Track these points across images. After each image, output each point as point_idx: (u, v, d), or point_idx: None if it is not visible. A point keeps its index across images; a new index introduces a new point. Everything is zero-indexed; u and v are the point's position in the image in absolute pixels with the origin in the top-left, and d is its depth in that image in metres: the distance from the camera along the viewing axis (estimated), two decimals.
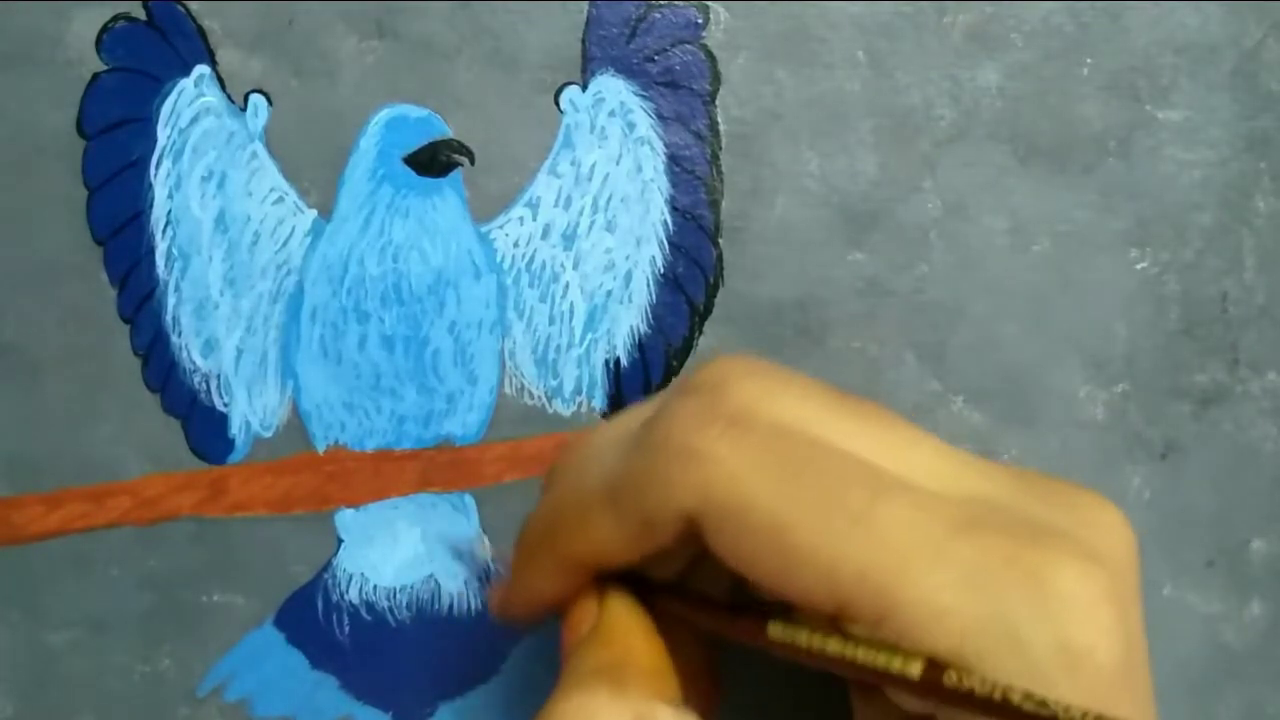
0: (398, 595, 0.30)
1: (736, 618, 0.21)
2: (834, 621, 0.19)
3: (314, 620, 0.30)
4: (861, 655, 0.19)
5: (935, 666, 0.18)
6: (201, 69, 0.29)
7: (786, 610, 0.20)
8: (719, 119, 0.29)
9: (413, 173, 0.29)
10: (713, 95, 0.29)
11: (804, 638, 0.20)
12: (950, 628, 0.18)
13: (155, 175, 0.29)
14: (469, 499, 0.30)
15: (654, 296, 0.30)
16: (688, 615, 0.22)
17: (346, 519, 0.30)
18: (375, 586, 0.30)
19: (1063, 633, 0.17)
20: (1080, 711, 0.16)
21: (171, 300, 0.30)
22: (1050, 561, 0.18)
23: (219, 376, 0.30)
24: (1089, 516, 0.19)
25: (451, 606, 0.30)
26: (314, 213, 0.30)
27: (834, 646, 0.19)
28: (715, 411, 0.20)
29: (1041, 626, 0.17)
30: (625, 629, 0.22)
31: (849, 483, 0.19)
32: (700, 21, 0.29)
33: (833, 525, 0.19)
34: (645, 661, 0.21)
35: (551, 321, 0.30)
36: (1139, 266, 0.30)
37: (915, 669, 0.18)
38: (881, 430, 0.20)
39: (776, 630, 0.20)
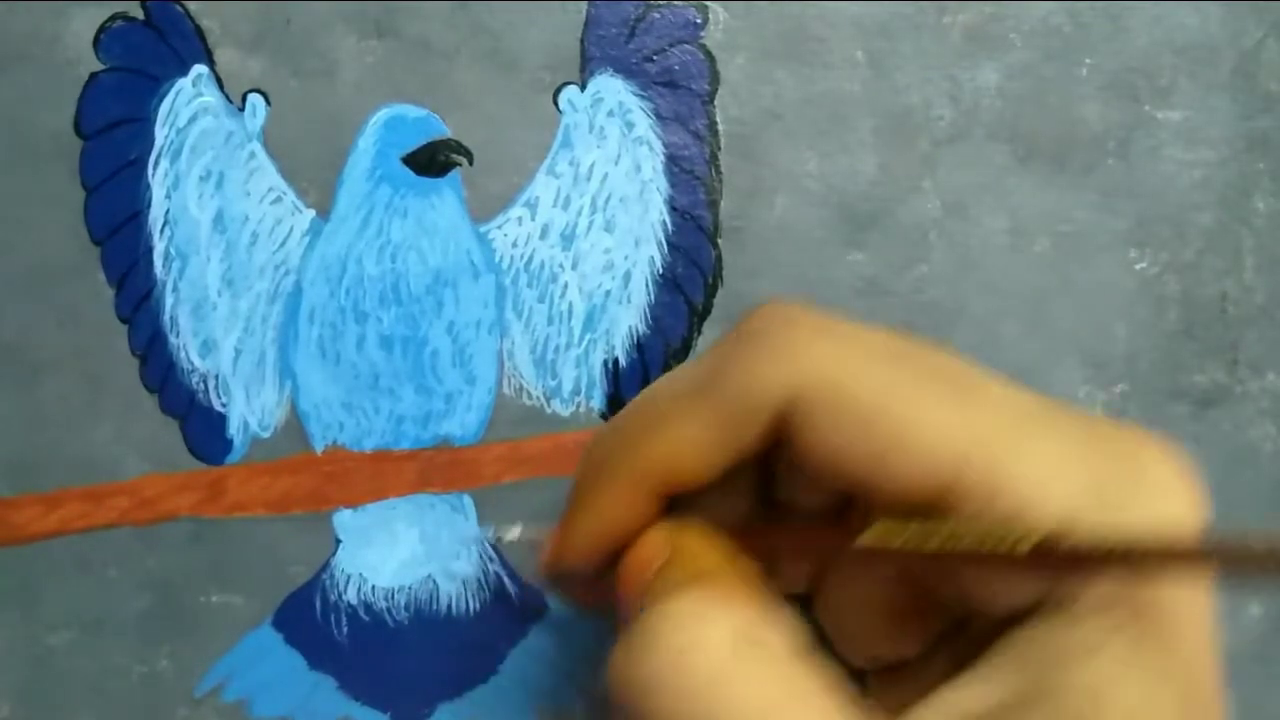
0: (396, 596, 0.30)
1: (822, 531, 0.21)
2: (923, 513, 0.19)
3: (312, 621, 0.30)
4: (967, 541, 0.18)
5: (1049, 539, 0.17)
6: (199, 69, 0.29)
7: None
8: (718, 119, 0.29)
9: (411, 173, 0.29)
10: (712, 95, 0.29)
11: (900, 537, 0.19)
12: (1060, 497, 0.18)
13: (153, 175, 0.29)
14: (467, 499, 0.30)
15: (653, 297, 0.30)
16: (763, 540, 0.21)
17: (345, 519, 0.30)
18: (373, 587, 0.30)
19: (1156, 505, 0.18)
20: (1194, 540, 0.16)
21: (169, 300, 0.30)
22: (1140, 443, 0.18)
23: (217, 376, 0.30)
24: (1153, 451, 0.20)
25: (450, 607, 0.30)
26: (312, 212, 0.29)
27: (935, 540, 0.18)
28: (804, 314, 0.20)
29: (1138, 498, 0.18)
30: (707, 550, 0.20)
31: (947, 365, 0.19)
32: (699, 21, 0.29)
33: (937, 403, 0.18)
34: (737, 575, 0.20)
35: (550, 322, 0.30)
36: (1139, 267, 0.30)
37: (1027, 544, 0.17)
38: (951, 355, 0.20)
39: (870, 536, 0.19)
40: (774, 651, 0.17)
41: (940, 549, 0.18)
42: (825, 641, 0.22)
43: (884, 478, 0.19)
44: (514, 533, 0.27)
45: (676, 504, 0.22)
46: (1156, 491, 0.18)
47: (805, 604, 0.22)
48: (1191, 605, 0.18)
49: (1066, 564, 0.17)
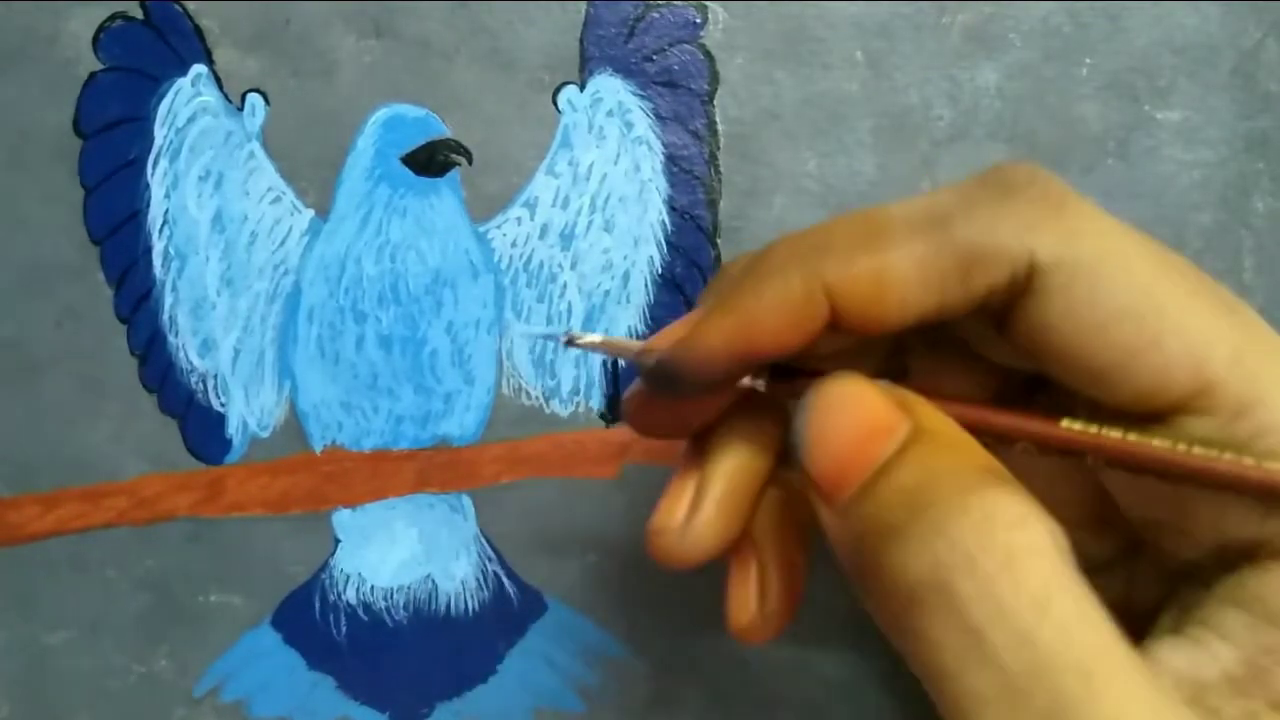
0: (395, 595, 0.30)
1: (1028, 414, 0.18)
2: (1143, 420, 0.17)
3: (311, 620, 0.30)
4: (1198, 453, 0.17)
5: (1263, 459, 0.16)
6: (199, 68, 0.29)
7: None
8: (717, 119, 0.29)
9: (410, 172, 0.29)
10: (711, 95, 0.29)
11: (1116, 432, 0.17)
12: None
13: (152, 175, 0.29)
14: (466, 499, 0.30)
15: (652, 297, 0.30)
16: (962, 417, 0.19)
17: (344, 519, 0.30)
18: (372, 587, 0.30)
19: None
20: None
21: (168, 300, 0.30)
22: None
23: (216, 376, 0.30)
24: None
25: (449, 607, 0.30)
26: (311, 212, 0.29)
27: (1159, 442, 0.17)
28: (1065, 185, 0.18)
29: None
30: (966, 438, 0.18)
31: (1207, 278, 0.18)
32: (698, 21, 0.29)
33: (1206, 307, 0.17)
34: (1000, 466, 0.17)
35: (549, 321, 0.30)
36: None
37: (1235, 459, 0.16)
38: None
39: (1081, 427, 0.18)
40: (1078, 575, 0.15)
41: (1166, 456, 0.17)
42: None
43: (1133, 371, 0.17)
44: (594, 337, 0.23)
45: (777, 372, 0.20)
46: None
47: None
48: None
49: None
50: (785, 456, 0.22)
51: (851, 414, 0.18)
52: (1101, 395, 0.18)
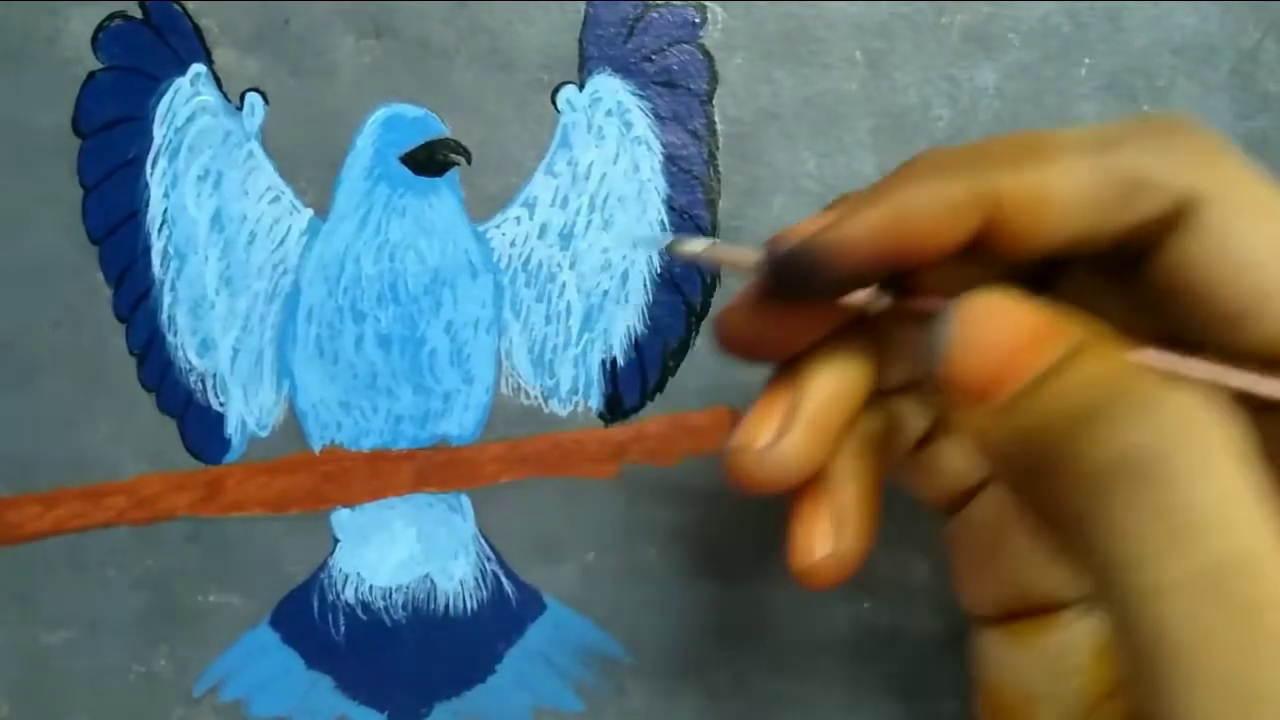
0: (393, 595, 0.30)
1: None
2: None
3: (310, 620, 0.30)
4: None
5: None
6: (198, 68, 0.29)
7: None
8: (716, 119, 0.29)
9: (409, 172, 0.29)
10: (710, 95, 0.29)
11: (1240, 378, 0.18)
12: None
13: (151, 174, 0.29)
14: (465, 499, 0.30)
15: (651, 296, 0.30)
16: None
17: (343, 519, 0.30)
18: (371, 586, 0.30)
19: None
20: None
21: (167, 299, 0.30)
22: None
23: (215, 376, 0.30)
24: None
25: (447, 607, 0.30)
26: (310, 212, 0.29)
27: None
28: (1219, 135, 0.19)
29: None
30: (1124, 345, 0.18)
31: None
32: (698, 21, 0.29)
33: None
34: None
35: (548, 321, 0.30)
36: None
37: None
38: None
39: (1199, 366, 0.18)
40: (1260, 479, 0.15)
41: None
42: None
43: (1269, 312, 0.18)
44: (697, 244, 0.21)
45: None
46: None
47: None
48: None
49: None
50: (890, 379, 0.21)
51: (1011, 320, 0.17)
52: (1233, 338, 0.18)
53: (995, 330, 0.17)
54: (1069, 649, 0.22)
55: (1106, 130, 0.19)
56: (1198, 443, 0.15)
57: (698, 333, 0.30)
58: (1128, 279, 0.19)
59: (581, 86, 0.29)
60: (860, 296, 0.20)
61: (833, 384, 0.21)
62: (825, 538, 0.21)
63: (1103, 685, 0.21)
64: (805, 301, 0.20)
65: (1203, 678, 0.14)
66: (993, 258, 0.19)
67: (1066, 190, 0.18)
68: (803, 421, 0.20)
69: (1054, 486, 0.16)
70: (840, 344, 0.21)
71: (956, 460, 0.23)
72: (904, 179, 0.19)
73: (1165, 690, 0.14)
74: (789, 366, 0.21)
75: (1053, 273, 0.20)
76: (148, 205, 0.29)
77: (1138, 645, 0.15)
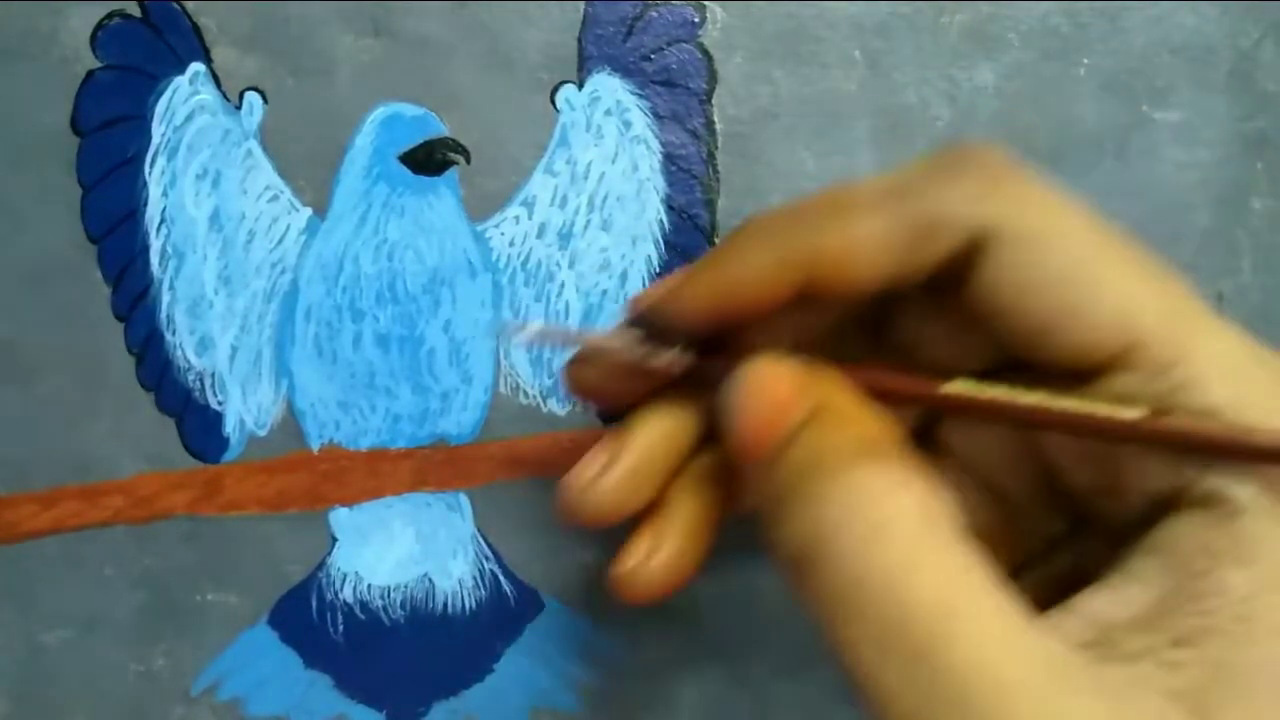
0: (392, 594, 0.30)
1: (910, 376, 0.21)
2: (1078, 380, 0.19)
3: (308, 619, 0.30)
4: (1073, 404, 0.19)
5: (1159, 412, 0.18)
6: (197, 66, 0.29)
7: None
8: (715, 118, 0.29)
9: (408, 171, 0.29)
10: (709, 94, 0.29)
11: (994, 390, 0.20)
12: (1235, 388, 0.18)
13: (150, 173, 0.29)
14: (464, 498, 0.30)
15: None
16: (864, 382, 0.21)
17: (341, 518, 0.30)
18: (369, 586, 0.30)
19: None
20: None
21: (166, 298, 0.30)
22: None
23: (213, 375, 0.30)
24: None
25: (445, 606, 0.30)
26: (309, 211, 0.29)
27: (1032, 397, 0.19)
28: (1008, 160, 0.20)
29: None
30: (861, 410, 0.20)
31: (1139, 250, 0.20)
32: (697, 20, 0.29)
33: (1137, 272, 0.19)
34: (898, 443, 0.19)
35: (547, 321, 0.30)
36: None
37: (1135, 412, 0.18)
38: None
39: (961, 386, 0.20)
40: (951, 537, 0.17)
41: (1036, 406, 0.19)
42: None
43: (1068, 329, 0.19)
44: (530, 330, 0.26)
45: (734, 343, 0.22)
46: None
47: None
48: None
49: (1179, 442, 0.18)
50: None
51: (766, 389, 0.20)
52: (1040, 355, 0.20)
53: (756, 398, 0.20)
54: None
55: (901, 177, 0.20)
56: (864, 520, 0.17)
57: None
58: (951, 305, 0.21)
59: (580, 86, 0.29)
60: (665, 359, 0.22)
61: (656, 431, 0.23)
62: (642, 550, 0.23)
63: None
64: (666, 344, 0.23)
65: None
66: (823, 305, 0.21)
67: (869, 241, 0.20)
68: (622, 463, 0.23)
69: (775, 552, 0.19)
70: (670, 396, 0.23)
71: None
72: (734, 245, 0.21)
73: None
74: (625, 416, 0.24)
75: (890, 307, 0.23)
76: (146, 204, 0.29)
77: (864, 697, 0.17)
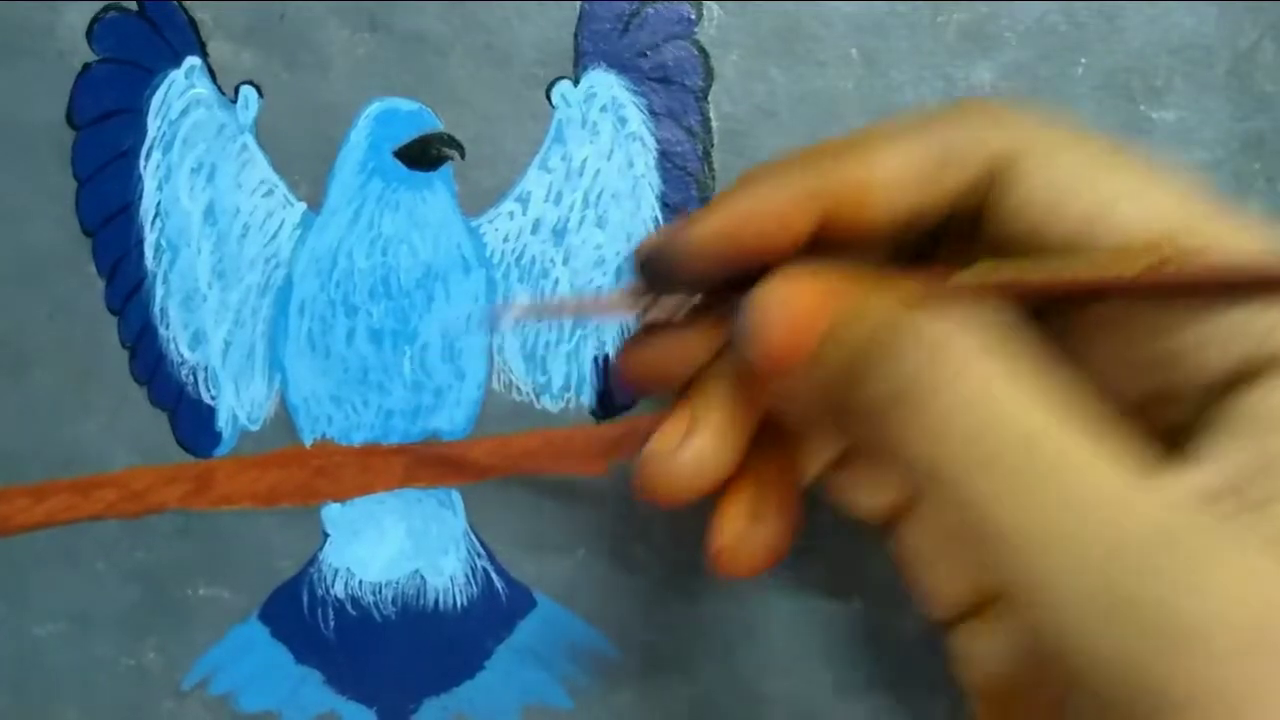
0: (383, 590, 0.30)
1: (922, 270, 0.20)
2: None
3: (299, 615, 0.30)
4: (1083, 270, 0.19)
5: (1167, 258, 0.18)
6: (192, 60, 0.29)
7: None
8: (711, 115, 0.29)
9: (403, 166, 0.29)
10: (705, 91, 0.29)
11: (1004, 270, 0.19)
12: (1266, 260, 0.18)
13: (145, 167, 0.29)
14: (456, 494, 0.30)
15: None
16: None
17: (333, 513, 0.30)
18: (361, 581, 0.30)
19: None
20: None
21: (160, 292, 0.30)
22: None
23: (207, 369, 0.30)
24: None
25: (437, 602, 0.30)
26: (303, 205, 0.29)
27: (1042, 272, 0.19)
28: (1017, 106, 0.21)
29: None
30: (883, 281, 0.19)
31: (1154, 163, 0.20)
32: (693, 17, 0.29)
33: (1153, 175, 0.19)
34: (933, 291, 0.19)
35: (534, 299, 0.30)
36: None
37: (1140, 263, 0.18)
38: None
39: (973, 274, 0.19)
40: (1037, 365, 0.17)
41: (1049, 279, 0.19)
42: None
43: (1095, 237, 0.19)
44: (518, 307, 0.25)
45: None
46: None
47: None
48: None
49: (1190, 288, 0.18)
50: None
51: (795, 294, 0.19)
52: None
53: (782, 306, 0.19)
54: None
55: (918, 116, 0.21)
56: (950, 355, 0.17)
57: None
58: (981, 237, 0.21)
59: (576, 82, 0.29)
60: (669, 305, 0.22)
61: (724, 391, 0.22)
62: (743, 521, 0.22)
63: None
64: (673, 293, 0.22)
65: (1023, 538, 0.16)
66: (840, 249, 0.21)
67: (886, 174, 0.20)
68: (707, 425, 0.22)
69: (857, 426, 0.18)
70: (729, 362, 0.22)
71: (877, 478, 0.24)
72: (742, 185, 0.21)
73: (1004, 557, 0.16)
74: (686, 390, 0.23)
75: (930, 247, 0.22)
76: (141, 198, 0.29)
77: (969, 533, 0.17)
